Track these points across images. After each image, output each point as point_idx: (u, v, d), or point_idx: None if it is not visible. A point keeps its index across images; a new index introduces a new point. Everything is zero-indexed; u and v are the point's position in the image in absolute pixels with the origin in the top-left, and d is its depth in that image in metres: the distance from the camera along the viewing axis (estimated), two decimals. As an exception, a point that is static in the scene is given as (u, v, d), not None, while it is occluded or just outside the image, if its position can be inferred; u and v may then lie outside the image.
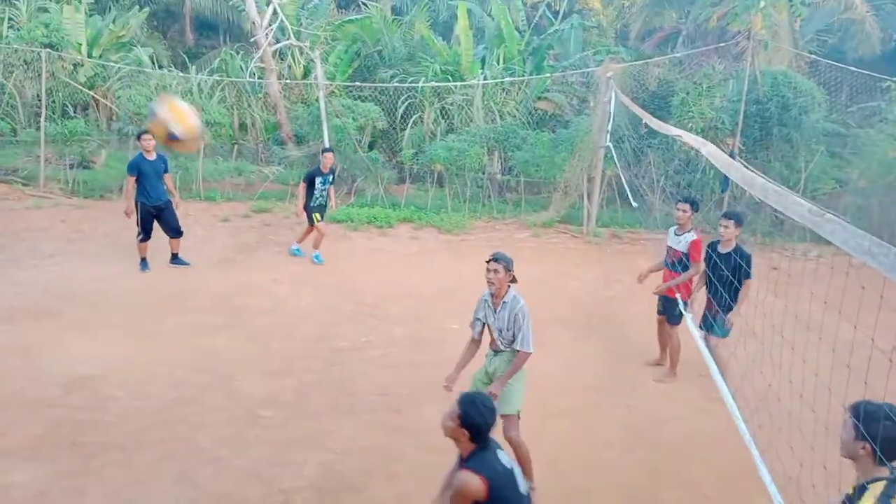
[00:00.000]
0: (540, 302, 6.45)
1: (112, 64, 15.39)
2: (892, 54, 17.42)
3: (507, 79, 14.62)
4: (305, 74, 16.26)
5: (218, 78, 15.41)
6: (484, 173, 13.45)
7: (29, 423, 5.28)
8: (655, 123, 6.90)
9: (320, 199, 9.76)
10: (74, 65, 15.19)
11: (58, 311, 7.46)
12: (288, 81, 15.87)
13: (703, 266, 6.26)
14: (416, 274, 9.53)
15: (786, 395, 4.42)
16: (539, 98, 14.76)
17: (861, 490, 2.69)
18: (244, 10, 15.80)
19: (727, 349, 5.78)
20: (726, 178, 9.64)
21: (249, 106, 15.51)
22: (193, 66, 16.45)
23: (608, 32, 19.53)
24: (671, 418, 5.88)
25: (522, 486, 3.17)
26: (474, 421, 3.07)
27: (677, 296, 6.37)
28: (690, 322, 5.71)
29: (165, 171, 9.15)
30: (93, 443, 5.09)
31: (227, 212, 11.92)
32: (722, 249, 6.06)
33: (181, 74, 15.25)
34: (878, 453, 2.59)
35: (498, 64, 15.28)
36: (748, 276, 5.91)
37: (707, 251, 6.20)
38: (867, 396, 3.72)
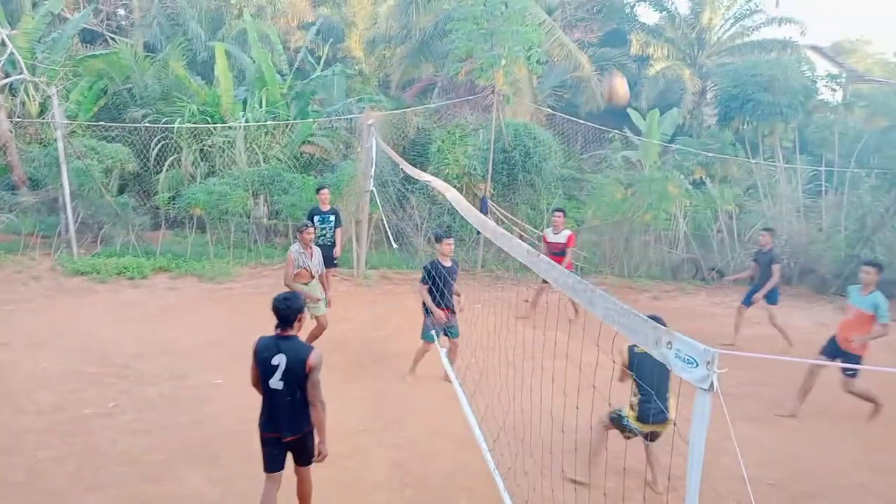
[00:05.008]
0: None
1: None
2: (615, 109, 20.08)
3: (271, 122, 14.43)
4: (42, 112, 14.65)
5: (-68, 112, 13.28)
6: (249, 217, 13.04)
7: None
8: (409, 169, 7.23)
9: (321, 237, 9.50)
10: None
11: None
12: (20, 119, 14.16)
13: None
14: (173, 328, 8.88)
15: (536, 416, 4.79)
16: (305, 142, 14.74)
17: None
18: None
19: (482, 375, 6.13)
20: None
21: (-28, 146, 13.55)
22: None
23: (371, 81, 20.13)
24: (437, 453, 6.06)
25: (273, 380, 4.32)
26: (274, 307, 4.27)
27: None
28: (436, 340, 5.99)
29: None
30: None
31: (-62, 267, 10.20)
32: (446, 263, 7.30)
33: None
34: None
35: (260, 107, 15.00)
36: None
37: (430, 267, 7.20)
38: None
